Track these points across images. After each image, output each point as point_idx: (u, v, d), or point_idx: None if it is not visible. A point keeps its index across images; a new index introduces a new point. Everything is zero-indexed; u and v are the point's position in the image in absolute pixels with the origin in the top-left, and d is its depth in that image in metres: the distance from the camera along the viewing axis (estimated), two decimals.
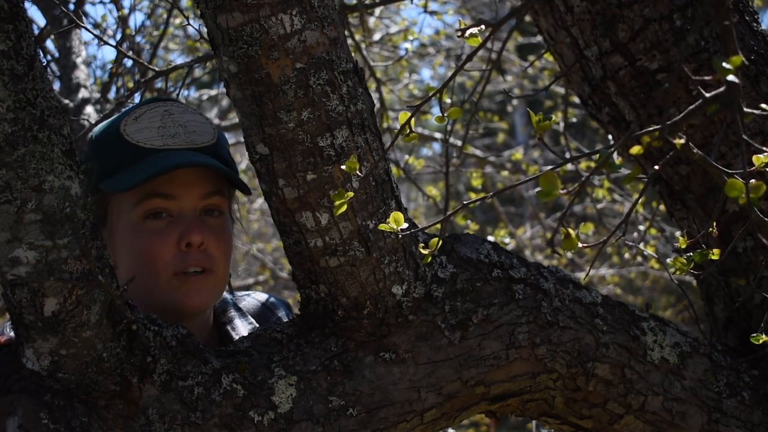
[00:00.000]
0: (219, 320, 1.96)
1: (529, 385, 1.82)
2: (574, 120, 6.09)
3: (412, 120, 1.33)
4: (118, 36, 4.66)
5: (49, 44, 4.55)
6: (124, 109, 1.89)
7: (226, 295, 2.00)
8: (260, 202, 7.53)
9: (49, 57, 4.50)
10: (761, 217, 1.28)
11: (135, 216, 1.78)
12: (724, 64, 1.07)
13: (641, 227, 6.29)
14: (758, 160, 1.25)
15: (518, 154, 6.56)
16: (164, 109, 1.84)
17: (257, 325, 1.96)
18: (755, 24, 2.02)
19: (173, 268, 1.78)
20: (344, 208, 1.41)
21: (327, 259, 1.68)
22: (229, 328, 1.95)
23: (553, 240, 1.20)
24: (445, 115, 1.35)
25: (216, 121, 6.33)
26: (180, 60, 6.60)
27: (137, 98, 3.52)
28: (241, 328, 1.94)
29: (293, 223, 1.67)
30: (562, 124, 4.78)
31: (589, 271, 1.48)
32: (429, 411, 1.76)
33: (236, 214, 1.96)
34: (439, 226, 1.40)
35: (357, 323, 1.72)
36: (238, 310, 2.00)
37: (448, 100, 4.82)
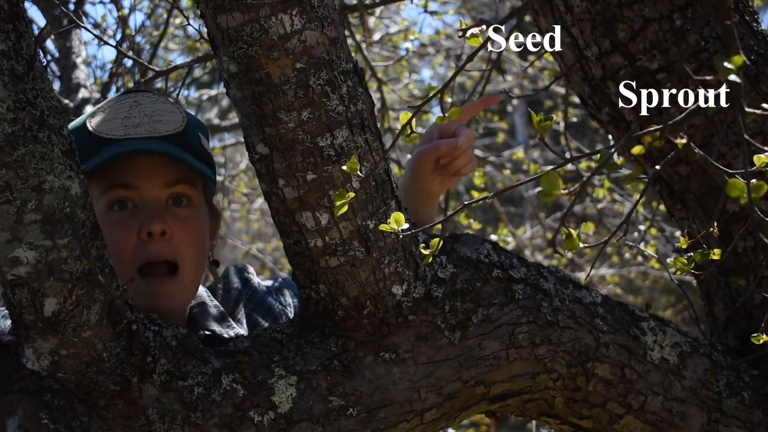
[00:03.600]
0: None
1: (529, 385, 1.82)
2: (574, 120, 6.08)
3: (413, 120, 1.32)
4: (118, 36, 4.66)
5: (49, 44, 4.54)
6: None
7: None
8: (260, 202, 7.52)
9: (49, 57, 4.49)
10: (762, 217, 1.28)
11: (100, 207, 1.77)
12: (725, 64, 1.07)
13: (641, 227, 6.29)
14: (759, 160, 1.25)
15: (519, 153, 6.55)
16: (133, 100, 1.82)
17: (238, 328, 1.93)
18: (755, 24, 2.02)
19: (136, 261, 1.76)
20: (345, 208, 1.40)
21: (327, 259, 1.68)
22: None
23: (554, 240, 1.20)
24: (446, 115, 1.35)
25: (216, 121, 6.33)
26: (180, 60, 6.60)
27: None
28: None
29: (293, 223, 1.66)
30: (562, 124, 4.78)
31: (590, 271, 1.48)
32: (429, 411, 1.76)
33: (218, 205, 1.92)
34: (439, 226, 1.39)
35: (357, 323, 1.72)
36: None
37: (449, 100, 4.82)
